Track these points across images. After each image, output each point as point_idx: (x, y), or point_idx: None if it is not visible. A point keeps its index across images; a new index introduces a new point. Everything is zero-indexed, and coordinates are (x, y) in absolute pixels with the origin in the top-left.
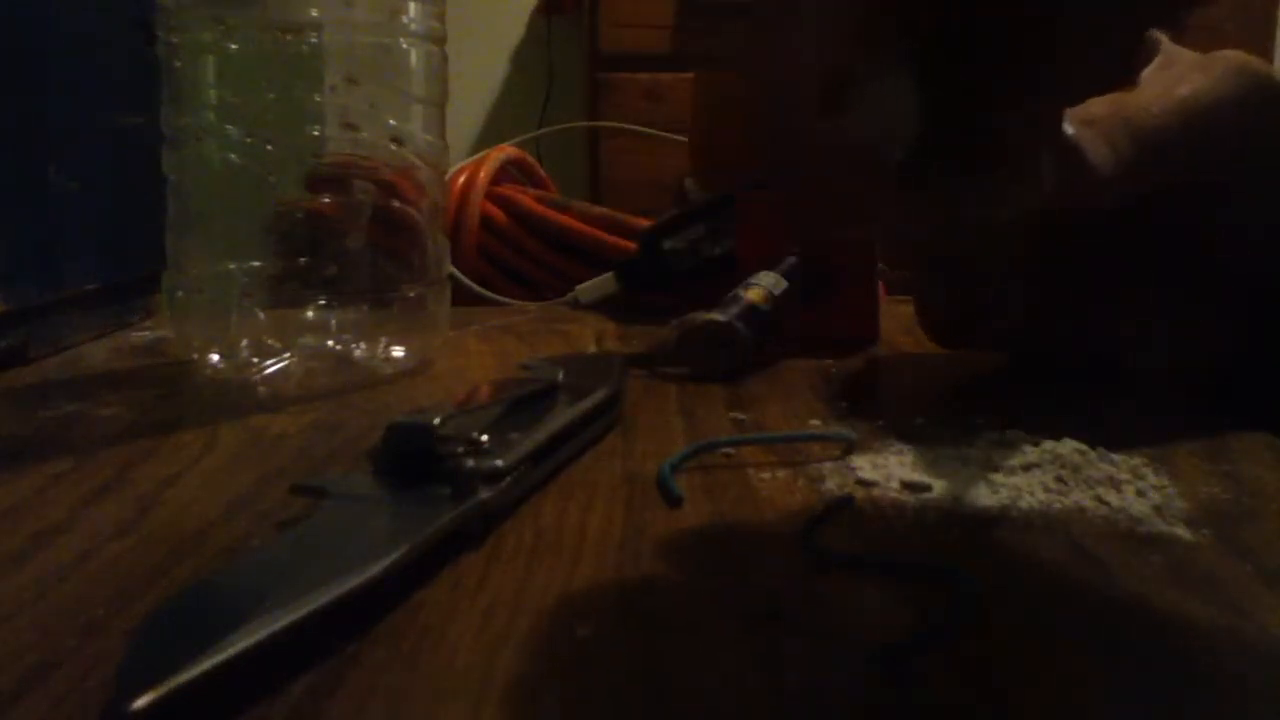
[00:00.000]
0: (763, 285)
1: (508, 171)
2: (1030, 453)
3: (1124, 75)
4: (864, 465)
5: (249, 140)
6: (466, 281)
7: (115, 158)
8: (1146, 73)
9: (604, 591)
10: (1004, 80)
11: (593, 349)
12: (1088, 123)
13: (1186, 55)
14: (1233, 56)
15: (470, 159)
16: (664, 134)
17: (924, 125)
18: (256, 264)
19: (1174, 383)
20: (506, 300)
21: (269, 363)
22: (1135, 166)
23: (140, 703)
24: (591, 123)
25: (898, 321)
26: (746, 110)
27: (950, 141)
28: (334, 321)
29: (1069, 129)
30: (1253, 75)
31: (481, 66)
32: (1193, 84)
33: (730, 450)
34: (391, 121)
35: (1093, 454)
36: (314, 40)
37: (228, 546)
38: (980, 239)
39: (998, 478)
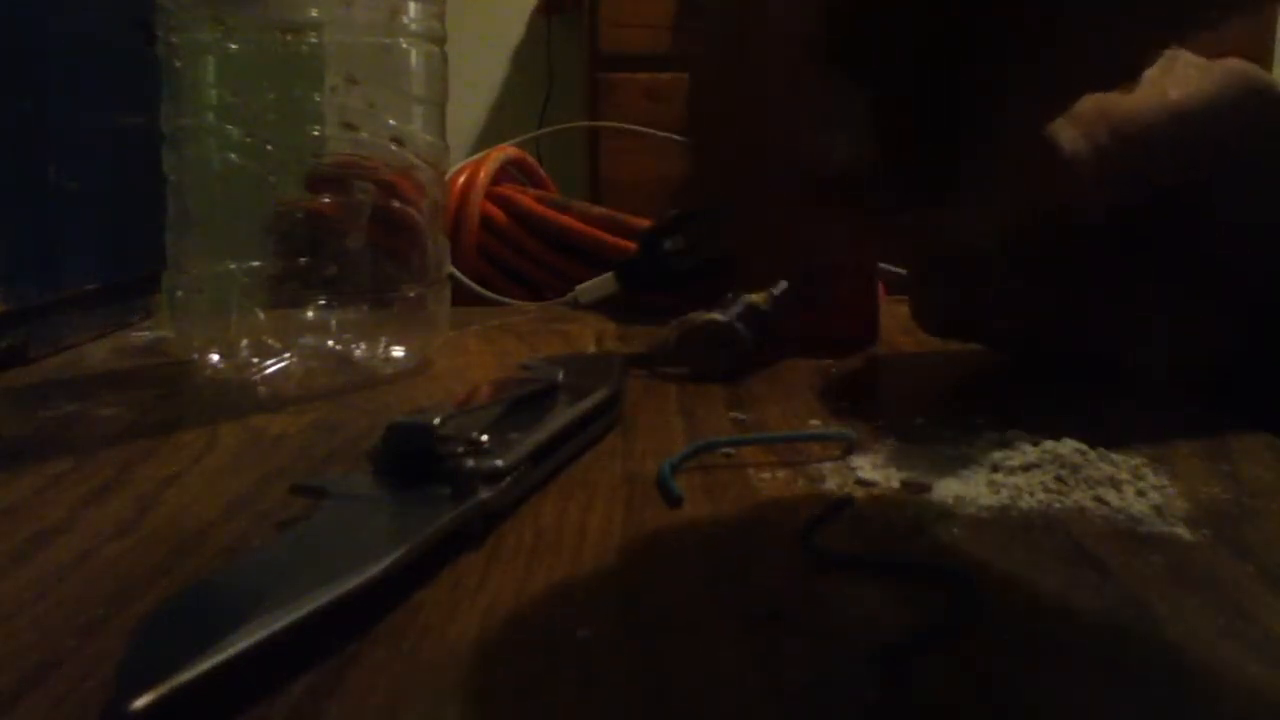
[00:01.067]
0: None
1: (508, 171)
2: (1030, 453)
3: (1126, 77)
4: (864, 465)
5: (249, 140)
6: (466, 281)
7: (115, 158)
8: (1148, 74)
9: (604, 591)
10: (1002, 81)
11: (593, 349)
12: (1070, 118)
13: (1188, 59)
14: (1234, 65)
15: (470, 159)
16: (664, 134)
17: (903, 136)
18: (256, 264)
19: (1174, 381)
20: (506, 300)
21: (269, 363)
22: (1117, 161)
23: (140, 703)
24: (591, 123)
25: (898, 321)
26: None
27: (934, 154)
28: (334, 321)
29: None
30: (1251, 82)
31: (481, 66)
32: (1187, 88)
33: (730, 450)
34: (391, 121)
35: (1093, 454)
36: (314, 40)
37: (228, 546)
38: (978, 239)
39: (998, 478)
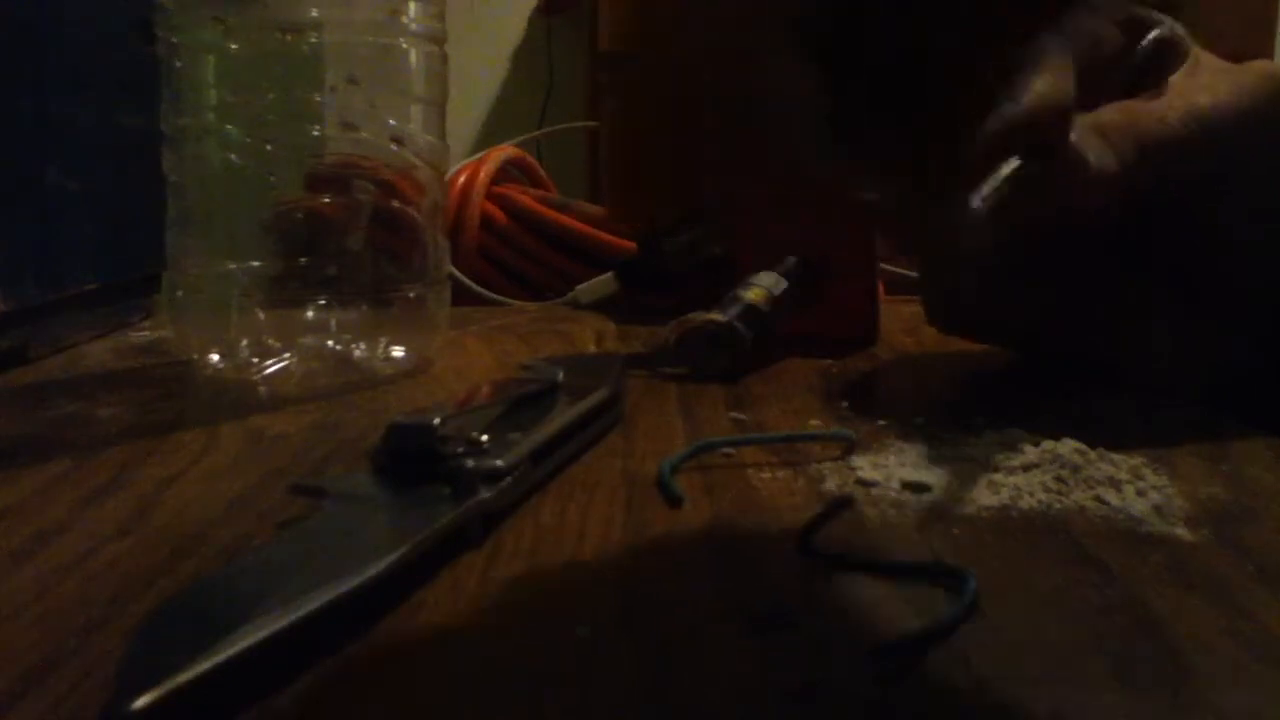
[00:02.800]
0: (763, 285)
1: (508, 171)
2: (1030, 453)
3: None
4: (864, 465)
5: (249, 140)
6: (466, 281)
7: (115, 158)
8: (1174, 78)
9: (604, 591)
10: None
11: (593, 349)
12: (1098, 130)
13: (1216, 63)
14: (1262, 67)
15: (470, 159)
16: None
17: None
18: (256, 264)
19: (1175, 390)
20: (506, 300)
21: (269, 363)
22: (1139, 170)
23: (140, 702)
24: (591, 123)
25: (898, 321)
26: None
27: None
28: (334, 321)
29: (1074, 135)
30: (1272, 82)
31: (481, 66)
32: (1215, 95)
33: (730, 450)
34: (391, 121)
35: (1093, 454)
36: (314, 40)
37: (228, 546)
38: (985, 236)
39: (998, 478)
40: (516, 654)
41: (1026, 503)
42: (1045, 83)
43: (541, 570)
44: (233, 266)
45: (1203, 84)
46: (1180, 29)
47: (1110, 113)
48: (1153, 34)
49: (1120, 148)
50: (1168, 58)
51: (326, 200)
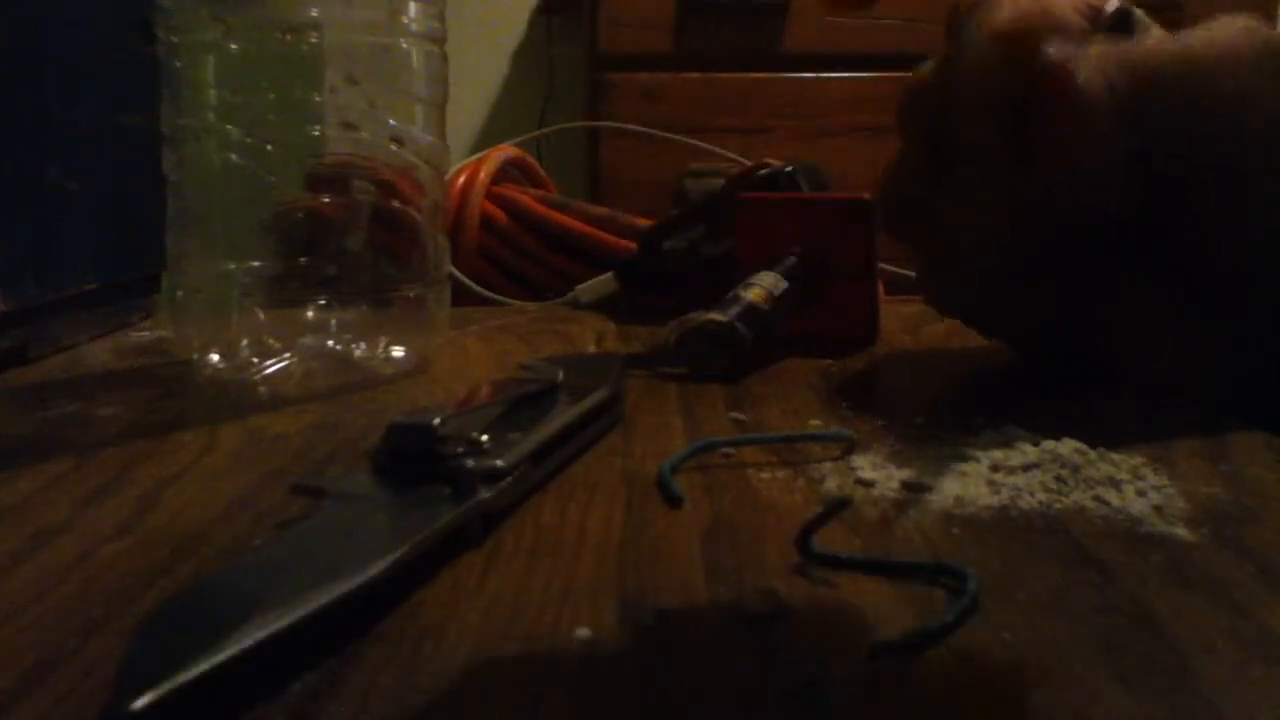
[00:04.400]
0: (763, 285)
1: (508, 171)
2: (1030, 453)
3: None
4: (864, 465)
5: (249, 140)
6: (466, 281)
7: (115, 158)
8: (1155, 34)
9: (604, 592)
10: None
11: (593, 349)
12: (1085, 59)
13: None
14: (1235, 19)
15: (470, 159)
16: (664, 134)
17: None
18: (256, 264)
19: (1176, 392)
20: (506, 300)
21: (269, 363)
22: (1130, 102)
23: (140, 703)
24: (591, 123)
25: (898, 321)
26: None
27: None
28: (334, 321)
29: (1050, 50)
30: (1255, 33)
31: (481, 66)
32: (1196, 37)
33: (730, 450)
34: (391, 121)
35: (1093, 454)
36: (314, 40)
37: (228, 546)
38: (987, 234)
39: (998, 478)
40: (516, 654)
41: (1026, 503)
42: (1019, 2)
43: (541, 570)
44: (233, 266)
45: (1187, 33)
46: (1140, 12)
47: (1099, 46)
48: (1113, 6)
49: (1107, 69)
50: (1132, 31)
51: (326, 200)
